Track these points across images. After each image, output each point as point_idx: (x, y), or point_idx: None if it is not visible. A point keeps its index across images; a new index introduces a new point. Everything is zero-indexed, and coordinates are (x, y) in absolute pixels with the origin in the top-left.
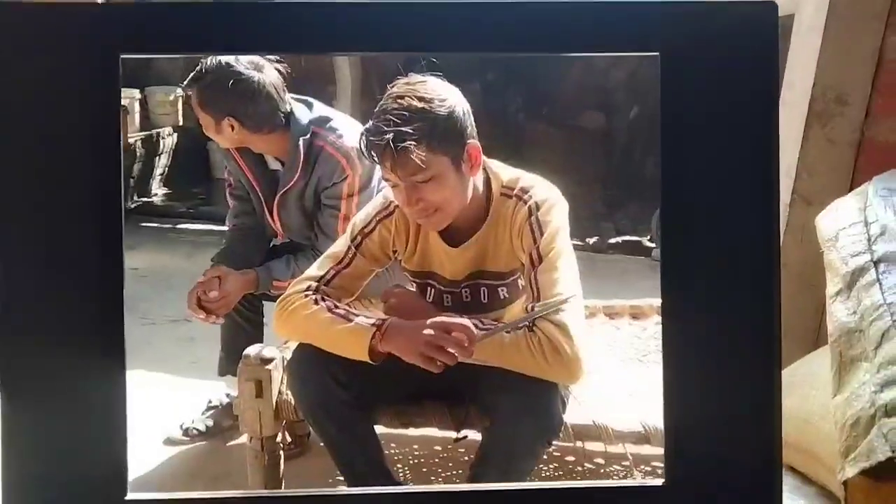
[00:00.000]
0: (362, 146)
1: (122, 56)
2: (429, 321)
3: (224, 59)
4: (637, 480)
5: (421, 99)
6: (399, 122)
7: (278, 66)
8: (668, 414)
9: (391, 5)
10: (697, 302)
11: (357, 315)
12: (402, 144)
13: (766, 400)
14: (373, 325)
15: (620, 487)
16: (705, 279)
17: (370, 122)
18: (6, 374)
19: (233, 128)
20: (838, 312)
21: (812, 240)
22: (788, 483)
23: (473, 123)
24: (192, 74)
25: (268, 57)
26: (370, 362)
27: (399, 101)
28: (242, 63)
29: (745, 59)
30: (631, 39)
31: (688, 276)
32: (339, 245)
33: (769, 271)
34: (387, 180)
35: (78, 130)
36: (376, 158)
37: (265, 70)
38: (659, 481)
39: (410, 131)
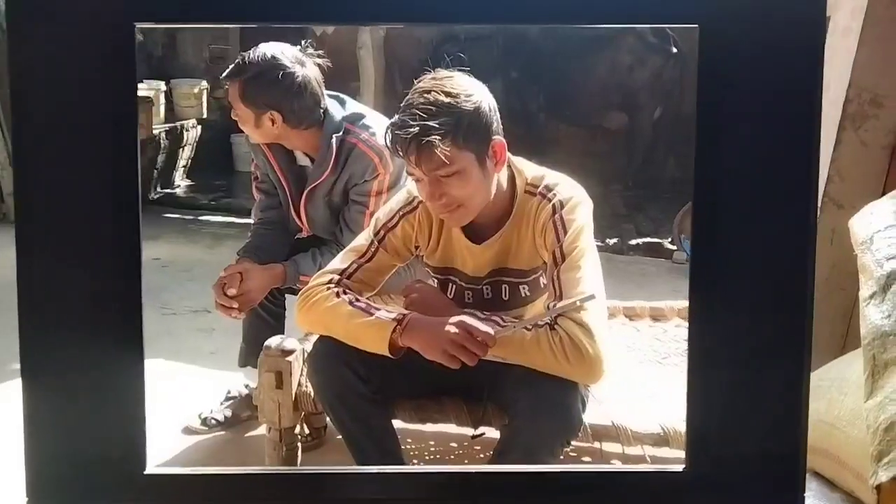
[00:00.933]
0: (388, 140)
1: (137, 25)
2: (452, 320)
3: (269, 52)
4: (658, 466)
5: (447, 94)
6: (425, 116)
7: (318, 60)
8: (691, 405)
9: None
10: (726, 298)
11: (378, 309)
12: (427, 138)
13: (792, 394)
14: (394, 319)
15: (641, 472)
16: (736, 275)
17: (396, 117)
18: (27, 356)
19: (273, 122)
20: (872, 315)
21: (841, 243)
22: (814, 488)
23: (499, 120)
24: (232, 67)
25: (308, 51)
26: (389, 356)
27: (426, 95)
28: (287, 57)
29: (789, 34)
30: (668, 10)
31: (718, 273)
32: (362, 239)
33: (803, 265)
34: (411, 174)
35: (94, 99)
36: (401, 152)
37: (307, 65)
38: (679, 467)
39: (436, 125)
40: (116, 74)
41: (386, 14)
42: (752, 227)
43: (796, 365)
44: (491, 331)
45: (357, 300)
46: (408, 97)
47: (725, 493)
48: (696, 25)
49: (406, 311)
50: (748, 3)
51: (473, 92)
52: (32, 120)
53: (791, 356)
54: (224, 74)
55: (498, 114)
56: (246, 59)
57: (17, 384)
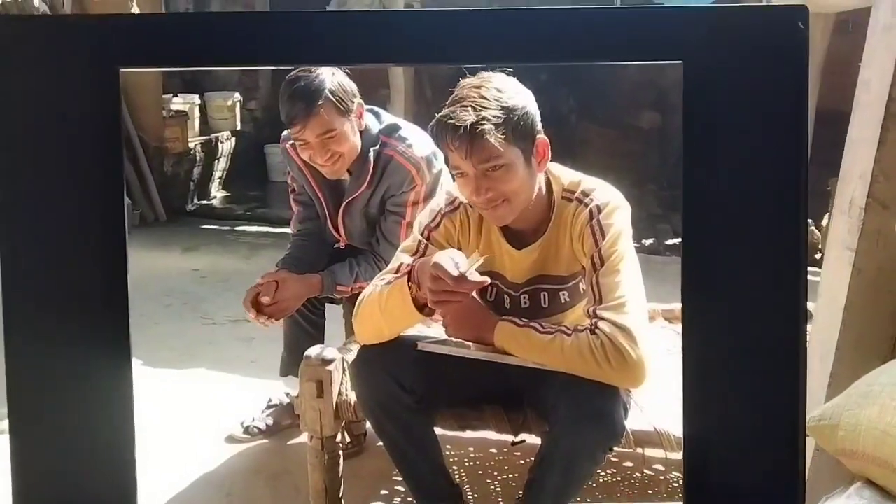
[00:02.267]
0: (435, 132)
1: (121, 69)
2: (434, 260)
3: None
4: None
5: (498, 90)
6: (479, 108)
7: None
8: (689, 431)
9: (379, 16)
10: (720, 314)
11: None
12: (481, 128)
13: (789, 419)
14: (406, 273)
15: None
16: (727, 296)
17: (446, 109)
18: (14, 399)
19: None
20: None
21: (888, 245)
22: (866, 496)
23: (540, 122)
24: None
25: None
26: (420, 315)
27: (477, 90)
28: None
29: (772, 67)
30: (654, 48)
31: (710, 291)
32: (410, 241)
33: (794, 289)
34: (456, 168)
35: (79, 143)
36: (452, 144)
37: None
38: None
39: (490, 117)
40: (102, 118)
41: (367, 55)
42: (743, 242)
43: (793, 394)
44: (453, 270)
45: (388, 283)
46: (455, 93)
47: None
48: (679, 62)
49: (414, 264)
50: (731, 39)
51: (519, 90)
52: (15, 163)
53: (785, 367)
54: (316, 100)
55: (539, 116)
56: (316, 76)
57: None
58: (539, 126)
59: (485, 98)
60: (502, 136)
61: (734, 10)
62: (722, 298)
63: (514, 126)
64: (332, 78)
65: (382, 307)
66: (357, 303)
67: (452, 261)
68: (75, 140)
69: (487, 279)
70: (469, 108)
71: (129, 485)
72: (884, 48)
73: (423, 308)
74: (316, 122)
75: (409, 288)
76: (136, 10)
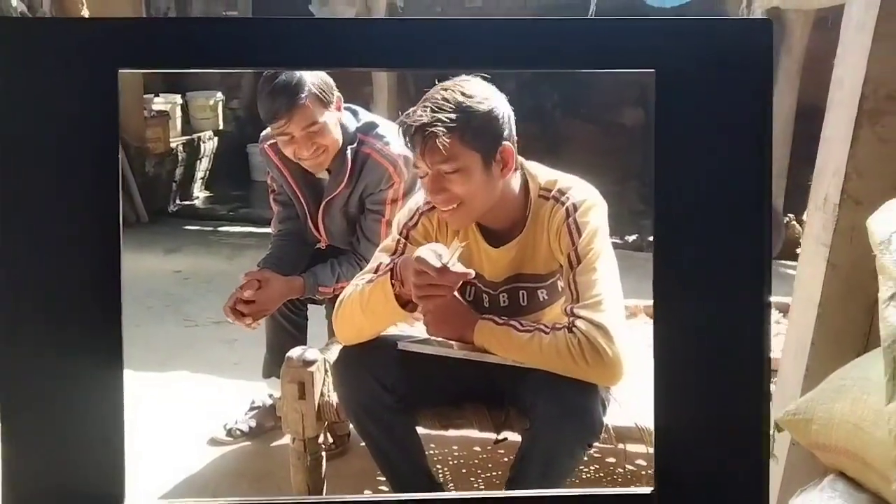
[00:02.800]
0: (401, 130)
1: (120, 70)
2: (416, 254)
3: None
4: (627, 489)
5: (464, 94)
6: (436, 109)
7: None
8: (659, 423)
9: (368, 24)
10: (689, 315)
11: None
12: (433, 129)
13: (754, 408)
14: (388, 269)
15: (611, 495)
16: (696, 293)
17: (410, 109)
18: (5, 388)
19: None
20: (892, 317)
21: (862, 241)
22: (839, 489)
23: (514, 130)
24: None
25: None
26: (403, 311)
27: (444, 91)
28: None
29: (739, 76)
30: (626, 57)
31: (679, 288)
32: (389, 240)
33: (759, 289)
34: (416, 167)
35: (77, 144)
36: (408, 143)
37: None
38: (648, 489)
39: (444, 119)
40: (100, 119)
41: (350, 60)
42: (711, 244)
43: (758, 385)
44: (436, 263)
45: (369, 281)
46: (428, 92)
47: None
48: (652, 70)
49: (396, 261)
50: (701, 49)
51: (490, 96)
52: (14, 162)
53: (751, 360)
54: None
55: (513, 123)
56: (299, 77)
57: None
58: (507, 133)
59: (446, 101)
60: (459, 140)
61: (704, 21)
62: (690, 295)
63: (474, 131)
64: (316, 77)
65: (364, 306)
66: (337, 303)
67: (434, 253)
68: (74, 140)
69: (472, 271)
70: (427, 109)
71: (117, 478)
72: (856, 46)
73: (405, 305)
74: (301, 114)
75: (392, 285)
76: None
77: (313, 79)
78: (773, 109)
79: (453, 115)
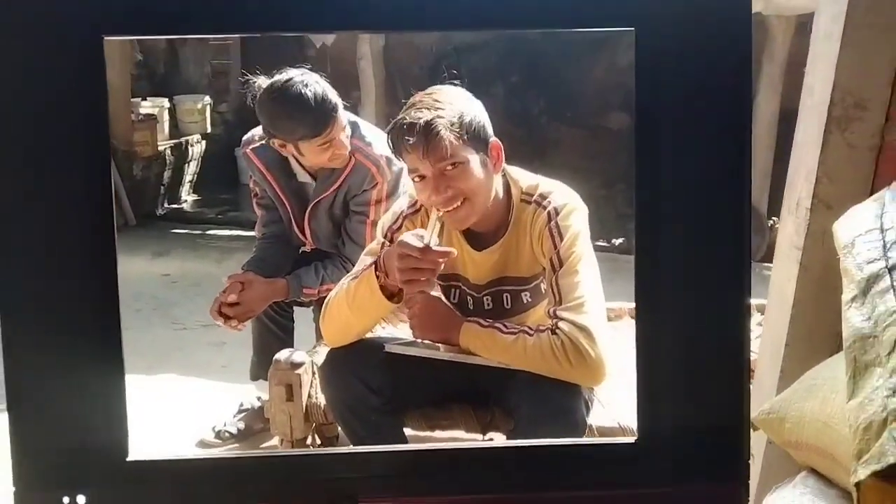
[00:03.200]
0: (391, 138)
1: (105, 38)
2: (399, 239)
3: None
4: (610, 438)
5: (449, 95)
6: (433, 108)
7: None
8: (641, 382)
9: None
10: (670, 291)
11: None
12: (437, 125)
13: (734, 364)
14: (372, 263)
15: (595, 444)
16: (678, 263)
17: (400, 114)
18: (8, 349)
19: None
20: (853, 318)
21: (833, 244)
22: (810, 485)
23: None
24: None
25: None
26: (390, 303)
27: (429, 95)
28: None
29: (718, 35)
30: (605, 14)
31: (661, 261)
32: (374, 244)
33: (740, 255)
34: (414, 171)
35: (64, 115)
36: (407, 146)
37: None
38: (631, 439)
39: (444, 116)
40: (87, 88)
41: (340, 23)
42: (690, 217)
43: (736, 341)
44: (417, 243)
45: (354, 278)
46: (411, 101)
47: (675, 461)
48: (632, 28)
49: (379, 253)
50: (681, 5)
51: (470, 98)
52: (1, 135)
53: (732, 333)
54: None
55: (490, 124)
56: (327, 94)
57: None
58: (490, 132)
59: (438, 101)
60: (457, 137)
61: None
62: (672, 280)
63: (468, 128)
64: (325, 85)
65: (350, 302)
66: (324, 305)
67: (415, 236)
68: (60, 110)
69: (454, 250)
70: (424, 109)
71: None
72: (824, 55)
73: (391, 297)
74: (335, 128)
75: (377, 277)
76: None
77: (331, 93)
78: (752, 76)
79: (451, 113)
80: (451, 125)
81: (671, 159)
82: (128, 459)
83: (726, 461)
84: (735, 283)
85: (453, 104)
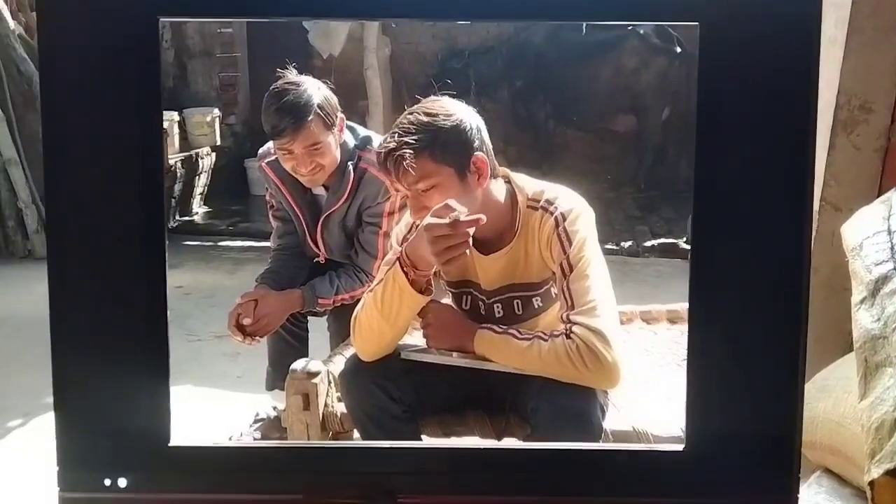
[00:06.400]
0: (377, 159)
1: (161, 19)
2: (424, 222)
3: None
4: (657, 445)
5: (427, 114)
6: (403, 134)
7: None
8: (691, 386)
9: None
10: (726, 288)
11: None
12: (399, 153)
13: (788, 373)
14: (396, 260)
15: (641, 451)
16: (735, 265)
17: (384, 136)
18: (56, 333)
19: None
20: (863, 320)
21: (841, 245)
22: (825, 485)
23: (486, 140)
24: (296, 112)
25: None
26: (421, 297)
27: (409, 116)
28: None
29: (785, 29)
30: (668, 8)
31: (718, 263)
32: (391, 255)
33: (799, 256)
34: (397, 190)
35: (119, 96)
36: (384, 169)
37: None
38: (679, 446)
39: (412, 142)
40: (143, 70)
41: (393, 9)
42: (749, 220)
43: (792, 353)
44: (446, 220)
45: (380, 281)
46: (397, 120)
47: (724, 472)
48: (696, 23)
49: (400, 250)
50: (747, 0)
51: (454, 112)
52: (59, 116)
53: (787, 342)
54: (296, 119)
55: (485, 133)
56: (311, 100)
57: (49, 417)
58: (478, 144)
59: (412, 124)
60: (429, 158)
61: None
62: (728, 281)
63: (443, 146)
64: (318, 92)
65: (381, 308)
66: (352, 320)
67: (444, 208)
68: (115, 92)
69: (483, 216)
70: (395, 135)
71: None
72: (829, 59)
73: (422, 291)
74: (305, 135)
75: (405, 273)
76: None
77: (320, 100)
78: (818, 75)
79: (418, 136)
80: (420, 149)
81: (731, 160)
82: (170, 444)
83: (776, 472)
84: (792, 288)
85: (426, 124)
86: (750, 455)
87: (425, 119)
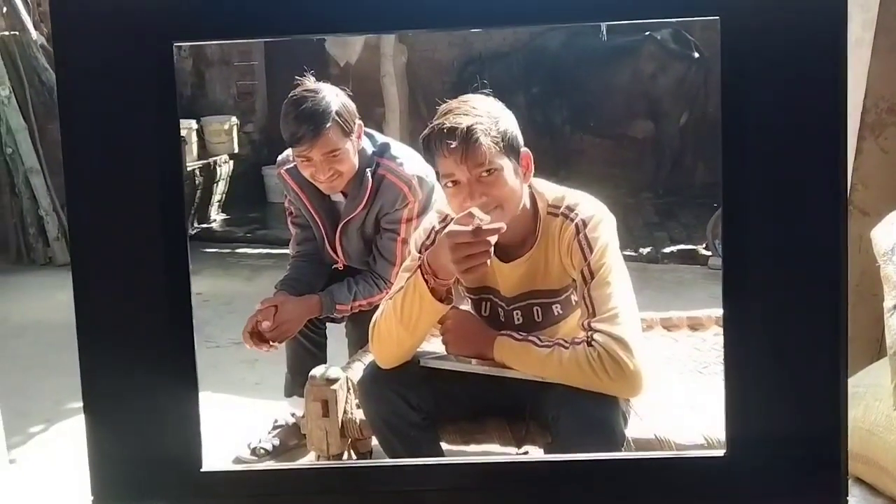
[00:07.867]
0: (428, 141)
1: (175, 44)
2: (447, 230)
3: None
4: (699, 452)
5: (482, 105)
6: (472, 114)
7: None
8: (730, 392)
9: None
10: (760, 290)
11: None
12: (477, 131)
13: (830, 372)
14: (417, 268)
15: (683, 458)
16: (770, 267)
17: (438, 120)
18: (86, 364)
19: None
20: None
21: (870, 250)
22: (855, 494)
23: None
24: (314, 119)
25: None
26: (441, 305)
27: (465, 103)
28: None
29: (810, 23)
30: (689, 3)
31: (751, 266)
32: (409, 261)
33: (836, 258)
34: (449, 177)
35: (134, 118)
36: (445, 151)
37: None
38: (721, 452)
39: (483, 123)
40: (157, 94)
41: (409, 22)
42: (780, 219)
43: (833, 353)
44: (468, 228)
45: (399, 289)
46: (442, 109)
47: (767, 475)
48: (717, 17)
49: (422, 258)
50: None
51: (503, 107)
52: (76, 140)
53: (827, 345)
54: (316, 126)
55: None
56: (329, 107)
57: (73, 422)
58: (522, 142)
59: (475, 108)
60: (493, 144)
61: None
62: (761, 283)
63: (503, 136)
64: (336, 99)
65: (400, 316)
66: (371, 327)
67: (467, 215)
68: (131, 116)
69: (503, 224)
70: (462, 115)
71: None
72: (856, 61)
73: (442, 299)
74: (323, 142)
75: (426, 281)
76: None
77: (338, 107)
78: (846, 68)
79: (488, 120)
80: (489, 132)
81: (759, 157)
82: (202, 470)
83: (823, 473)
84: (830, 287)
85: (490, 112)
86: (795, 457)
87: (485, 108)
